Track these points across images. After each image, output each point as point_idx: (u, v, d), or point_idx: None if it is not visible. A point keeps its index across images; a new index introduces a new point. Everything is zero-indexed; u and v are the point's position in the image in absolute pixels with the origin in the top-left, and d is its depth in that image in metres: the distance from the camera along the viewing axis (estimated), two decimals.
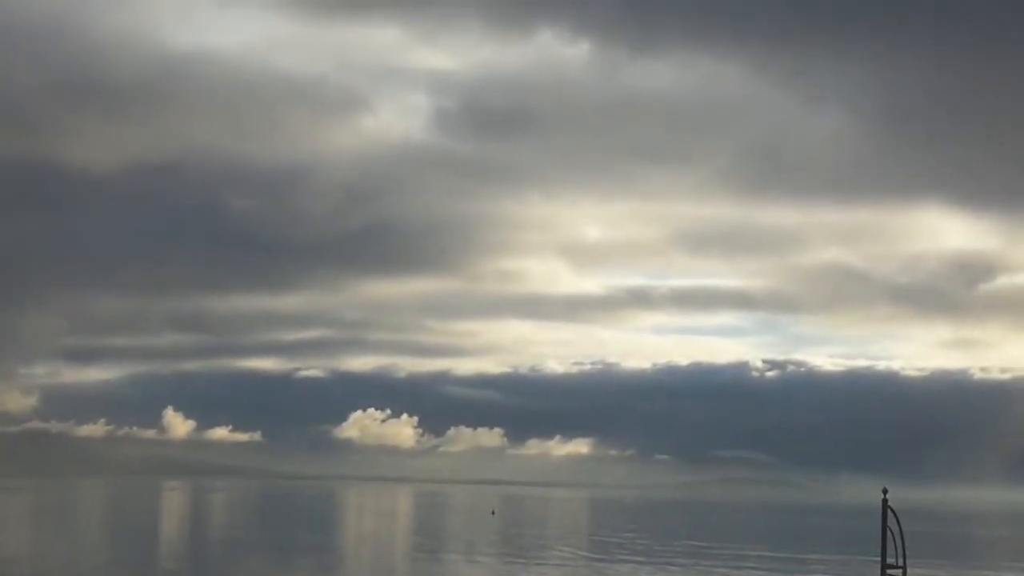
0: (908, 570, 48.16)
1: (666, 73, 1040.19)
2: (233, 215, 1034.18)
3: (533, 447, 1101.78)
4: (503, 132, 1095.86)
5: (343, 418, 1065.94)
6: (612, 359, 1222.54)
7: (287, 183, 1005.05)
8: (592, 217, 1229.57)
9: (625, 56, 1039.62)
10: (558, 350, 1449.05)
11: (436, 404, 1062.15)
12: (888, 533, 47.10)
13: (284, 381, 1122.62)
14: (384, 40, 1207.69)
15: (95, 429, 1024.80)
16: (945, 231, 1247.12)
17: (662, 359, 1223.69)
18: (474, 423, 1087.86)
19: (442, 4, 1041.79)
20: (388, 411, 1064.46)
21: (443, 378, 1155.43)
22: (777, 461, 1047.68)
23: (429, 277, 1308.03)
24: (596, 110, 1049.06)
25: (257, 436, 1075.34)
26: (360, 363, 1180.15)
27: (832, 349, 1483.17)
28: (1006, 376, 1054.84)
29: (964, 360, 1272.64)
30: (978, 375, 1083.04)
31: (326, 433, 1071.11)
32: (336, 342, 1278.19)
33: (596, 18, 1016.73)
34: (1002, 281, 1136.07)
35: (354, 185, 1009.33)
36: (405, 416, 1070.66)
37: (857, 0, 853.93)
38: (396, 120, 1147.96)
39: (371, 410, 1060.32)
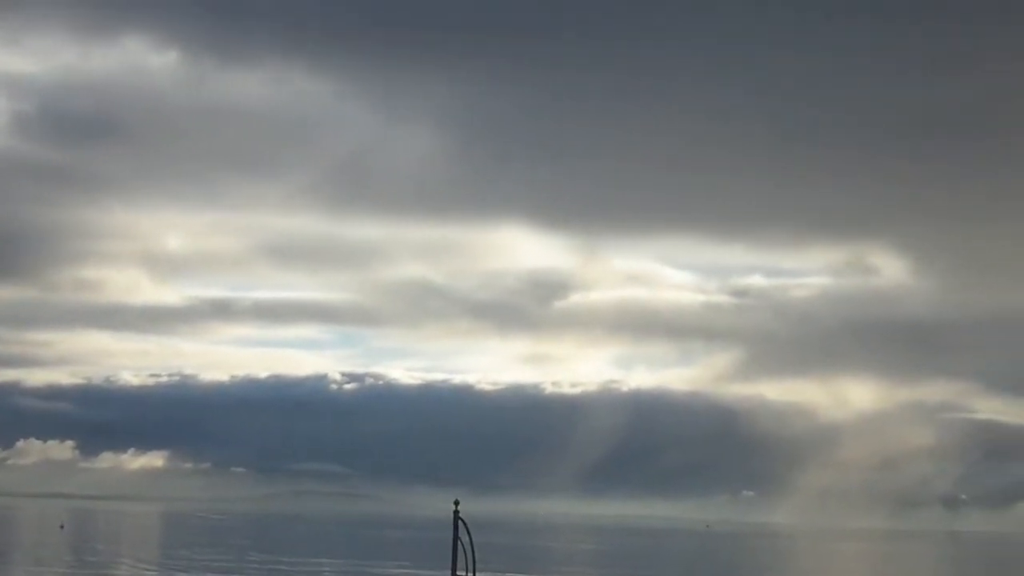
0: None
1: (256, 84, 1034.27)
2: None
3: (106, 460, 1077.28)
4: (84, 139, 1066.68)
5: None
6: (190, 371, 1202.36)
7: None
8: (174, 227, 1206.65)
9: (214, 66, 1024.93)
10: (134, 361, 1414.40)
11: (4, 416, 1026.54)
12: (459, 544, 47.53)
13: None
14: None
15: None
16: (522, 249, 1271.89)
17: (241, 371, 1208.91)
18: (44, 435, 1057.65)
19: (24, 7, 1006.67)
20: None
21: (12, 389, 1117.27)
22: (354, 473, 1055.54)
23: (1, 286, 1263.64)
24: (182, 119, 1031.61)
25: None
26: None
27: (410, 362, 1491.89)
28: (576, 390, 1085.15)
29: (537, 375, 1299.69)
30: (550, 389, 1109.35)
31: None
32: None
33: (185, 27, 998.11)
34: (575, 298, 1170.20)
35: None
36: None
37: (443, 24, 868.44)
38: None
39: None
